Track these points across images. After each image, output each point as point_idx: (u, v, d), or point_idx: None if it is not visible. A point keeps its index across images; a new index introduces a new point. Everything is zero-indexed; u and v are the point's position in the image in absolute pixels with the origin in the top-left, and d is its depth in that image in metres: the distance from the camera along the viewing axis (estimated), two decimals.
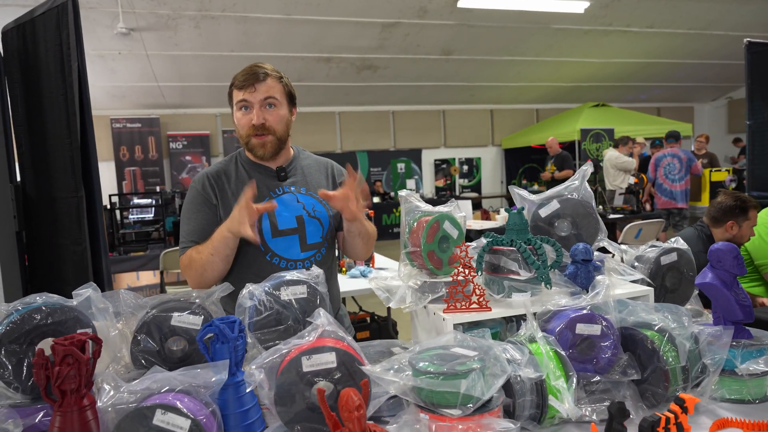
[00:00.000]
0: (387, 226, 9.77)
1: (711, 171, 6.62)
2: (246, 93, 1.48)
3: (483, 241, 1.34)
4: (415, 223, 1.35)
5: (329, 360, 0.97)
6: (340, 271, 3.21)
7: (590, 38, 8.70)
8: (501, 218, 5.23)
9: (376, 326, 3.60)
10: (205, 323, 1.10)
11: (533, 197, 1.49)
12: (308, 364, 0.96)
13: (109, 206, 4.78)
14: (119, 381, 0.93)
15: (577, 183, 1.45)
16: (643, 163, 6.82)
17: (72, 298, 1.13)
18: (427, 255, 1.31)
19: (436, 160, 11.46)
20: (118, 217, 5.00)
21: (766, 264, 2.53)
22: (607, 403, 1.06)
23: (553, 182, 7.58)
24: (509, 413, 1.05)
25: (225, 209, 1.50)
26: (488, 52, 8.82)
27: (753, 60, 3.51)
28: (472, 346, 1.05)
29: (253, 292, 1.17)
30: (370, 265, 3.36)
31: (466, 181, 11.64)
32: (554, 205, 1.45)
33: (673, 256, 1.45)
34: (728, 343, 1.12)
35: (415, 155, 11.33)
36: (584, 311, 1.16)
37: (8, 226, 2.40)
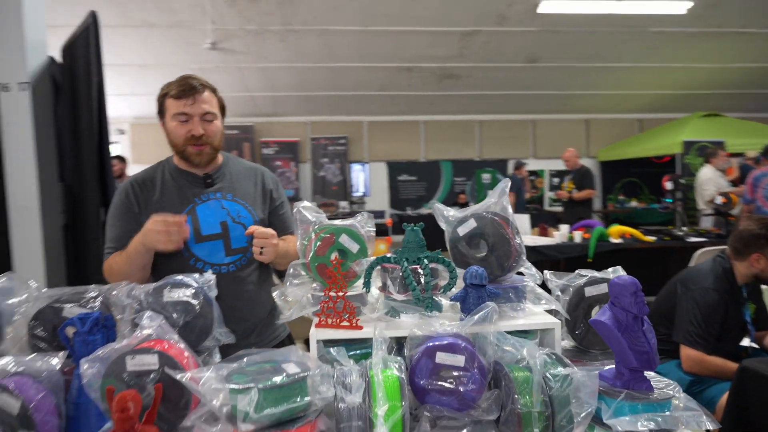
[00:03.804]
0: None
1: None
2: (184, 105, 1.54)
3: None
4: (312, 236, 1.34)
5: (151, 362, 1.01)
6: None
7: (697, 41, 7.86)
8: (560, 235, 4.89)
9: None
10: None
11: (454, 214, 1.40)
12: (132, 364, 1.01)
13: None
14: None
15: (494, 199, 1.34)
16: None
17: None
18: (316, 268, 1.29)
19: None
20: None
21: None
22: None
23: (571, 203, 6.76)
24: None
25: (147, 217, 1.55)
26: (578, 59, 8.32)
27: None
28: (305, 363, 1.03)
29: (132, 290, 1.24)
30: None
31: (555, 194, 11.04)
32: (471, 223, 1.36)
33: (602, 288, 1.28)
34: (595, 391, 0.97)
35: (501, 166, 10.99)
36: (446, 340, 1.08)
37: (57, 219, 2.74)
